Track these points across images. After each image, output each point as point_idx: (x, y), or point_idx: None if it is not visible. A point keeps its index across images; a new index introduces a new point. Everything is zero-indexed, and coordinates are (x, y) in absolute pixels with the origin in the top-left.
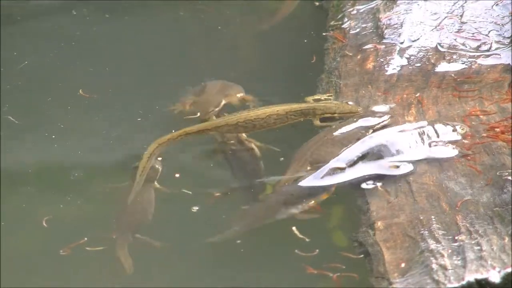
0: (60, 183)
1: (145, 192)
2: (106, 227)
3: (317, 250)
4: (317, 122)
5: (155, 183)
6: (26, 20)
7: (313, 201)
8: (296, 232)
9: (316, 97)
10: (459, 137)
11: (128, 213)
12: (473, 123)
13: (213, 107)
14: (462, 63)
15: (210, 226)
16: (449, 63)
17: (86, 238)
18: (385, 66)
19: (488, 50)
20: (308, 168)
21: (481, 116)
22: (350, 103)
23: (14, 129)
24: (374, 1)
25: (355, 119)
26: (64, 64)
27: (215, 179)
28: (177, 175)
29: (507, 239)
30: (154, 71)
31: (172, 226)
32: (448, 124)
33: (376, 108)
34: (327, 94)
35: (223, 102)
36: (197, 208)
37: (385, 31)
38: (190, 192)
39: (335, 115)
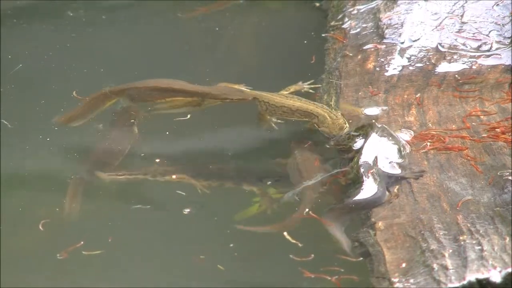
0: (57, 186)
1: (121, 134)
2: (103, 231)
3: (313, 255)
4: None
5: (135, 127)
6: (21, 22)
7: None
8: (288, 237)
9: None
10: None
11: (96, 151)
12: (473, 123)
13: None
14: (463, 63)
15: (203, 228)
16: (449, 63)
17: (82, 242)
18: (386, 66)
19: (488, 50)
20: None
21: (482, 117)
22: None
23: (9, 132)
24: (375, 1)
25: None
26: (59, 66)
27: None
28: (173, 177)
29: (508, 239)
30: (150, 73)
31: (166, 227)
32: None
33: (369, 111)
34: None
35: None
36: (189, 210)
37: (386, 31)
38: (184, 193)
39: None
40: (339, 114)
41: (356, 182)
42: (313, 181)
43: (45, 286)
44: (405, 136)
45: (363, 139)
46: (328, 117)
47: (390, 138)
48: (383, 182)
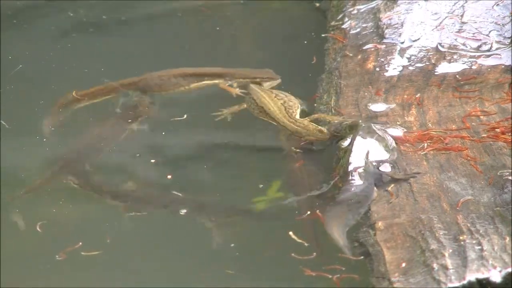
0: (52, 187)
1: (110, 127)
2: (101, 232)
3: (314, 254)
4: (281, 137)
5: (136, 124)
6: (21, 22)
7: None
8: (294, 236)
9: (319, 115)
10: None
11: (83, 142)
12: (473, 123)
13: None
14: (463, 63)
15: (198, 229)
16: (449, 63)
17: (81, 243)
18: (386, 66)
19: (488, 50)
20: None
21: (482, 117)
22: (323, 129)
23: (8, 132)
24: (375, 1)
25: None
26: (59, 66)
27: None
28: (169, 177)
29: (508, 238)
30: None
31: (164, 227)
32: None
33: (374, 108)
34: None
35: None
36: (185, 211)
37: (386, 31)
38: (180, 194)
39: (303, 138)
40: (305, 121)
41: (345, 180)
42: (319, 192)
43: (44, 287)
44: (396, 131)
45: (350, 139)
46: (297, 128)
47: (376, 136)
48: (371, 177)
